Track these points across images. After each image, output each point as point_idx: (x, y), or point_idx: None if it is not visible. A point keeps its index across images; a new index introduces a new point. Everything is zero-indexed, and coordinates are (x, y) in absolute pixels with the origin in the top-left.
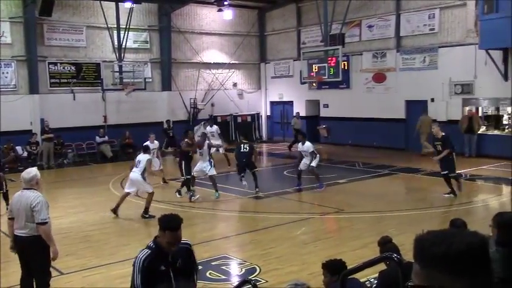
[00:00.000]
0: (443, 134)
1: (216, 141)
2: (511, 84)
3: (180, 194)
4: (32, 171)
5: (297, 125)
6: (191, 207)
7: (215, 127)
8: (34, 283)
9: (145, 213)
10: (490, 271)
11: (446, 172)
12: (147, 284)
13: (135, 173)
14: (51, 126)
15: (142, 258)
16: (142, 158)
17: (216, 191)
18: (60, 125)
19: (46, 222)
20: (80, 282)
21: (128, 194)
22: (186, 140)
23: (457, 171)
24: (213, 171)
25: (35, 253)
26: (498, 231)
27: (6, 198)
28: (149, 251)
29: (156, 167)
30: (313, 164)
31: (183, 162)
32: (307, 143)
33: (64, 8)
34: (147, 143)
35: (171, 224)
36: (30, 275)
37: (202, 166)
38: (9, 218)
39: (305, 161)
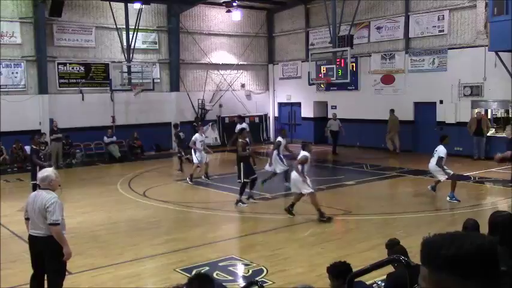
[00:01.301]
0: None
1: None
2: None
3: (243, 202)
4: (46, 172)
5: (333, 126)
6: (198, 208)
7: (244, 124)
8: (46, 283)
9: (322, 216)
10: (499, 273)
11: None
12: None
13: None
14: (60, 126)
15: None
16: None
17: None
18: (68, 125)
19: (58, 223)
20: (88, 282)
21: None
22: (240, 139)
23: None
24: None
25: (49, 253)
26: (489, 231)
27: None
28: None
29: (203, 160)
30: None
31: (242, 165)
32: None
33: (74, 9)
34: (197, 135)
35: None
36: (41, 274)
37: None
38: (26, 218)
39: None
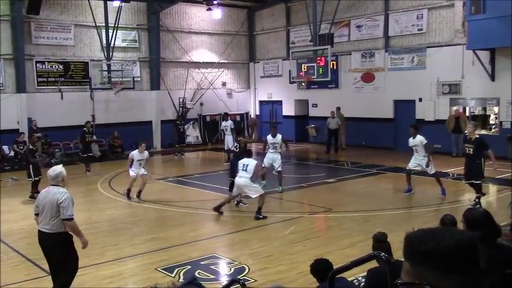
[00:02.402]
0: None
1: (228, 136)
2: (498, 85)
3: (243, 203)
4: (57, 169)
5: (331, 124)
6: (179, 207)
7: (229, 122)
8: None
9: (259, 214)
10: (479, 268)
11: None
12: None
13: (243, 178)
14: (39, 125)
15: None
16: (248, 162)
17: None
18: (47, 124)
19: (72, 218)
20: None
21: (233, 197)
22: (242, 138)
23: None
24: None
25: (57, 249)
26: (466, 227)
27: None
28: None
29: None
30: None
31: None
32: (419, 136)
33: (52, 6)
34: (134, 152)
35: None
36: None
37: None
38: (36, 214)
39: (417, 158)
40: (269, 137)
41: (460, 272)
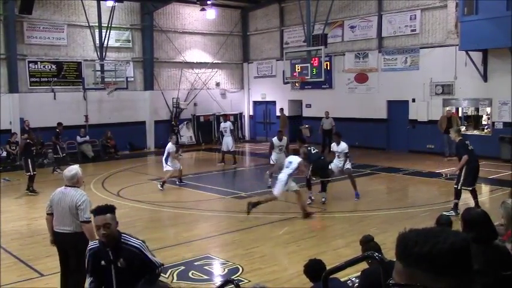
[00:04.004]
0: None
1: (227, 138)
2: (490, 85)
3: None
4: (73, 169)
5: (326, 125)
6: (173, 207)
7: (228, 123)
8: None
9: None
10: (471, 271)
11: None
12: (92, 273)
13: (284, 174)
14: (32, 125)
15: (88, 248)
16: (294, 159)
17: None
18: (40, 124)
19: (90, 221)
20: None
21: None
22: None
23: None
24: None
25: (74, 250)
26: (464, 227)
27: None
28: (95, 243)
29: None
30: (349, 165)
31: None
32: (343, 143)
33: (45, 6)
34: (275, 138)
35: (96, 208)
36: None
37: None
38: (48, 214)
39: (337, 163)
40: (275, 140)
41: (454, 274)
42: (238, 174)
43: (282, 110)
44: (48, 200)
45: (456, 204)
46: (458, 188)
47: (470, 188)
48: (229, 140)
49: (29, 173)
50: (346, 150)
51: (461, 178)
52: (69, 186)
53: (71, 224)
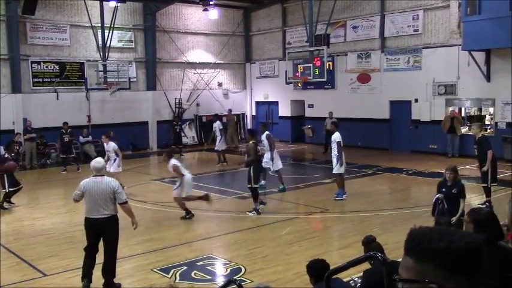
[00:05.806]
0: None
1: (218, 137)
2: (493, 85)
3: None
4: (102, 161)
5: (329, 125)
6: (175, 207)
7: (218, 122)
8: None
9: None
10: (482, 272)
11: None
12: None
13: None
14: (34, 126)
15: None
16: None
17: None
18: (43, 124)
19: (127, 201)
20: (63, 283)
21: None
22: (252, 141)
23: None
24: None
25: (114, 230)
26: (474, 227)
27: None
28: None
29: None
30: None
31: (252, 169)
32: (336, 133)
33: (47, 7)
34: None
35: None
36: (97, 244)
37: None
38: (76, 200)
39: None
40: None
41: (467, 273)
42: (238, 174)
43: (230, 110)
44: (77, 189)
45: (489, 202)
46: (489, 186)
47: (496, 184)
48: (218, 139)
49: (5, 190)
50: (339, 139)
51: (489, 176)
52: (99, 176)
53: (109, 208)
